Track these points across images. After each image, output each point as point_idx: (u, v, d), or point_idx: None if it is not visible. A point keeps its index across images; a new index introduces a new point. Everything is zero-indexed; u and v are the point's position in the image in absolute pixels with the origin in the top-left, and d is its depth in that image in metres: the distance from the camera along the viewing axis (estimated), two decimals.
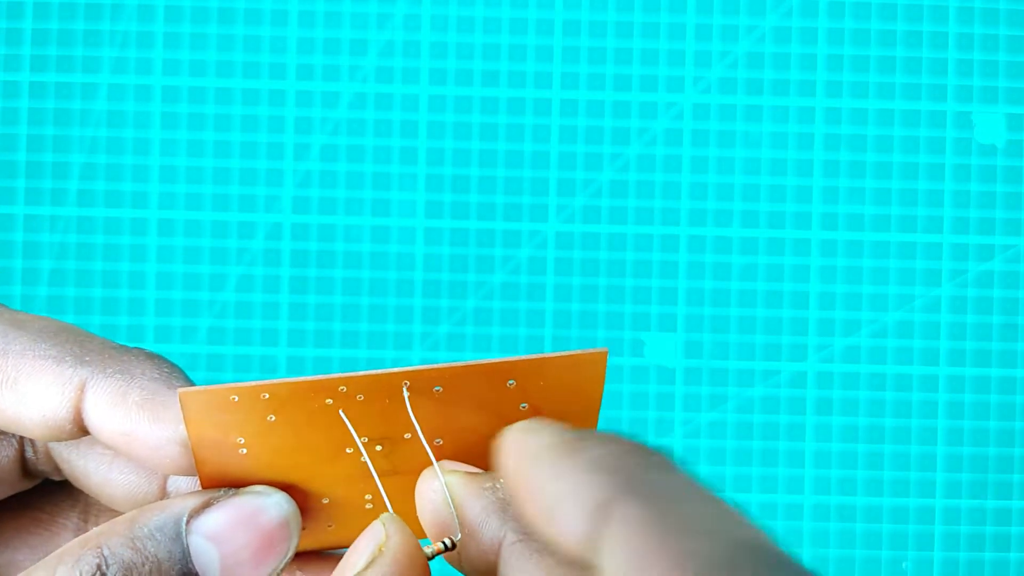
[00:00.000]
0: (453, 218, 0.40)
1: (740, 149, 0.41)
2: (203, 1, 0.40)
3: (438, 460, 0.20)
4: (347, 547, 0.18)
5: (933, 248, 0.41)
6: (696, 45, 0.41)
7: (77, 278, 0.40)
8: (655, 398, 0.40)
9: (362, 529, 0.18)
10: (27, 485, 0.22)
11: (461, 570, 0.19)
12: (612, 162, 0.41)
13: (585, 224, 0.40)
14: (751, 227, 0.41)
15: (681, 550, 0.14)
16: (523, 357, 0.19)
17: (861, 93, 0.41)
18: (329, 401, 0.19)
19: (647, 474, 0.15)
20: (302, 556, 0.22)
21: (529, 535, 0.18)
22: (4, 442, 0.21)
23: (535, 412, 0.19)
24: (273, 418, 0.19)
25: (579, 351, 0.19)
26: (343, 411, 0.19)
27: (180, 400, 0.18)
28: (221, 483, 0.20)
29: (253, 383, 0.18)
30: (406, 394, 0.19)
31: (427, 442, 0.19)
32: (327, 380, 0.18)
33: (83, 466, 0.21)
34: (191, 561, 0.19)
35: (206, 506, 0.19)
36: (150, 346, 0.40)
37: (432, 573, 0.18)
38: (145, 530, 0.19)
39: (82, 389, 0.19)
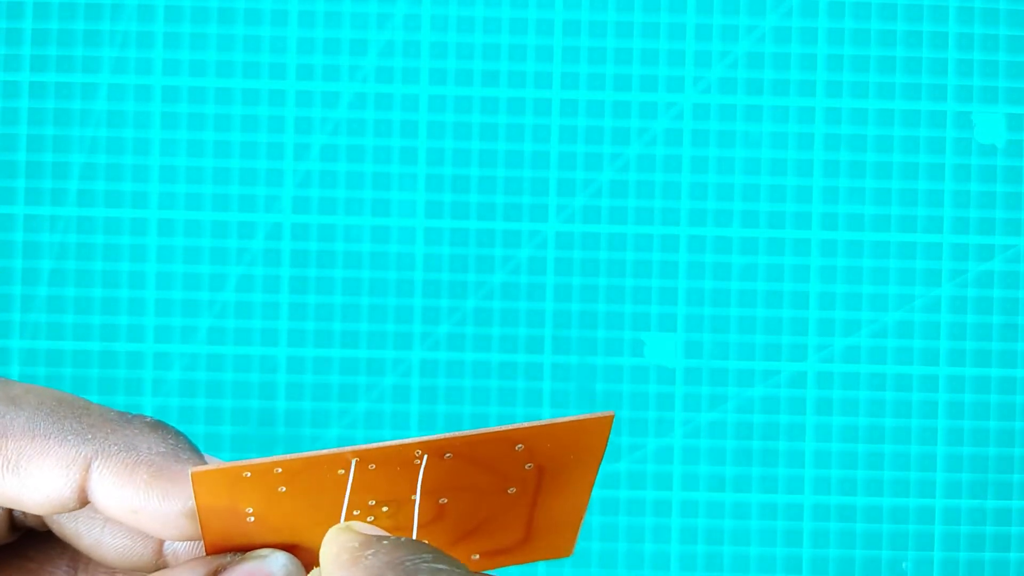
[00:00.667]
0: (453, 218, 0.40)
1: (740, 149, 0.41)
2: (203, 1, 0.40)
3: (440, 519, 0.20)
4: None
5: (933, 248, 0.41)
6: (696, 45, 0.41)
7: (77, 278, 0.40)
8: (655, 398, 0.40)
9: None
10: (13, 538, 0.21)
11: None
12: (612, 162, 0.41)
13: (585, 224, 0.40)
14: (751, 227, 0.41)
15: None
16: (534, 424, 0.19)
17: (861, 93, 0.41)
18: (341, 472, 0.19)
19: None
20: None
21: None
22: None
23: (540, 471, 0.20)
24: (284, 489, 0.19)
25: (587, 416, 0.19)
26: (352, 480, 0.19)
27: (192, 479, 0.18)
28: (226, 548, 0.20)
29: (266, 460, 0.18)
30: (422, 468, 0.19)
31: (431, 501, 0.20)
32: (340, 454, 0.19)
33: (74, 528, 0.21)
34: None
35: (215, 574, 0.19)
36: (150, 346, 0.40)
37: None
38: None
39: (87, 469, 0.19)
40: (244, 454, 0.39)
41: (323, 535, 0.20)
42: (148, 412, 0.39)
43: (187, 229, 0.40)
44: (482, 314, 0.40)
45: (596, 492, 0.40)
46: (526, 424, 0.19)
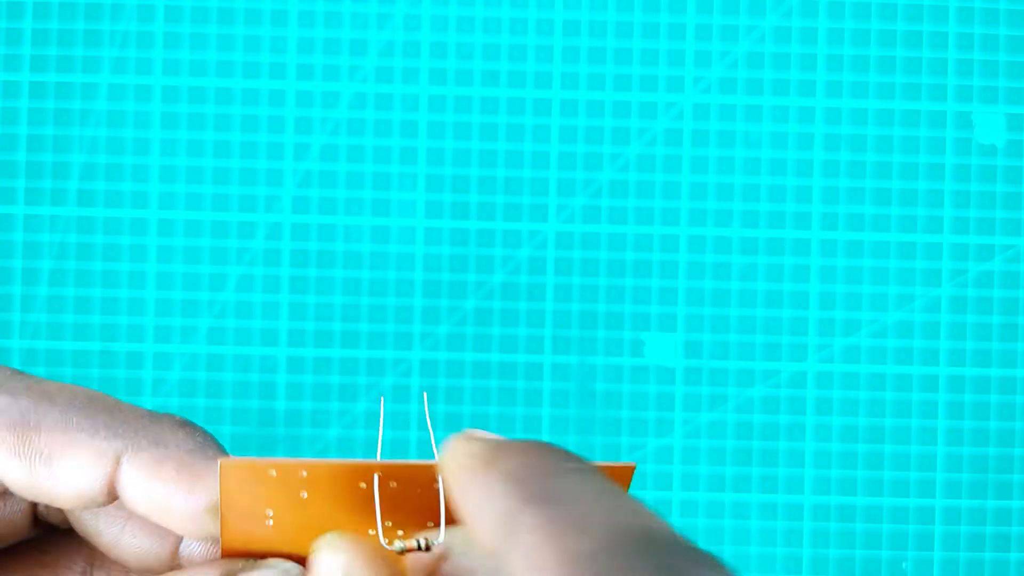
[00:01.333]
0: (453, 218, 0.40)
1: (740, 149, 0.41)
2: (203, 1, 0.40)
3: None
4: None
5: (933, 248, 0.41)
6: (696, 45, 0.41)
7: (77, 278, 0.40)
8: (655, 398, 0.40)
9: None
10: (33, 534, 0.22)
11: None
12: (612, 162, 0.41)
13: (585, 224, 0.40)
14: (751, 227, 0.41)
15: (578, 550, 0.15)
16: None
17: (861, 93, 0.41)
18: (363, 485, 0.19)
19: (554, 480, 0.16)
20: None
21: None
22: (17, 497, 0.21)
23: None
24: (306, 495, 0.19)
25: (610, 464, 0.19)
26: (375, 496, 0.19)
27: (220, 469, 0.19)
28: (241, 553, 0.20)
29: (294, 460, 0.19)
30: (441, 490, 0.19)
31: (445, 529, 0.20)
32: (366, 465, 0.19)
33: (95, 526, 0.21)
34: None
35: None
36: (150, 346, 0.40)
37: None
38: None
39: (117, 462, 0.19)
40: (244, 454, 0.39)
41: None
42: None
43: (187, 229, 0.40)
44: (482, 314, 0.40)
45: None
46: None
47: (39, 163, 0.40)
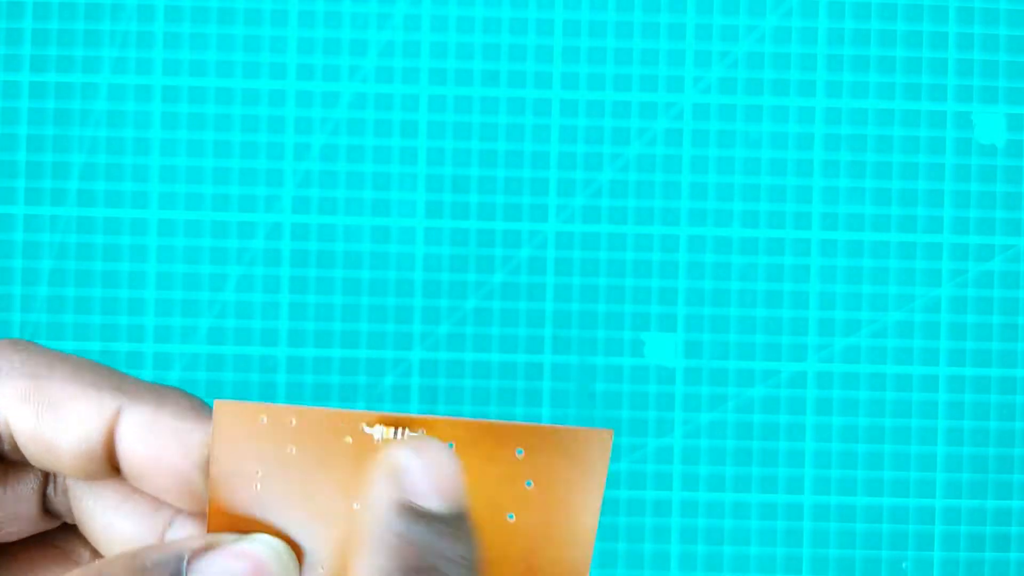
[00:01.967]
0: (453, 218, 0.40)
1: (740, 149, 0.41)
2: (203, 1, 0.40)
3: None
4: None
5: (933, 248, 0.41)
6: (696, 45, 0.41)
7: (77, 278, 0.40)
8: (655, 398, 0.40)
9: None
10: (45, 526, 0.23)
11: None
12: (612, 162, 0.41)
13: (585, 224, 0.40)
14: (751, 227, 0.41)
15: None
16: (535, 425, 0.20)
17: (861, 93, 0.41)
18: (348, 439, 0.19)
19: None
20: None
21: None
22: (28, 476, 0.22)
23: (541, 492, 0.20)
24: (293, 450, 0.20)
25: (586, 428, 0.20)
26: (355, 453, 0.19)
27: (215, 409, 0.20)
28: (228, 527, 0.20)
29: (282, 406, 0.19)
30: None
31: None
32: (355, 414, 0.19)
33: (91, 506, 0.22)
34: None
35: (208, 548, 0.20)
36: (150, 346, 0.40)
37: None
38: (147, 563, 0.19)
39: (118, 414, 0.21)
40: None
41: (317, 535, 0.20)
42: None
43: (187, 229, 0.40)
44: (482, 314, 0.40)
45: None
46: (528, 424, 0.19)
47: (39, 163, 0.40)
